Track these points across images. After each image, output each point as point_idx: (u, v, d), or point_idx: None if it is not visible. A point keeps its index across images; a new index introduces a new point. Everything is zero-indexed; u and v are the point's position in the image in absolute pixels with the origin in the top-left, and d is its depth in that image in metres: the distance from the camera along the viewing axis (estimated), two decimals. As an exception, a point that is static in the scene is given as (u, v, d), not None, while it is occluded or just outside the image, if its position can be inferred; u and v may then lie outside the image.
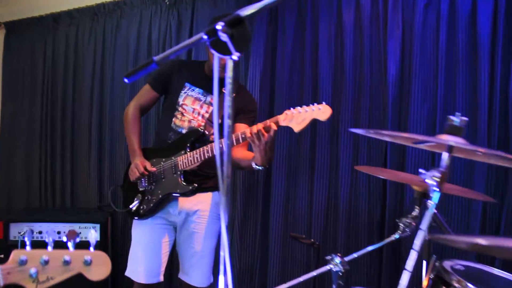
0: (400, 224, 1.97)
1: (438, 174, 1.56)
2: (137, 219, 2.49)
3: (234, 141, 2.13)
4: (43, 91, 4.13)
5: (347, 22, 2.89)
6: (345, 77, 2.89)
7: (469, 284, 1.59)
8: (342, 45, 2.91)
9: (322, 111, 1.94)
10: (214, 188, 2.48)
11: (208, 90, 2.46)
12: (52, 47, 4.09)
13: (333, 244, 2.91)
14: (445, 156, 1.59)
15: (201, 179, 2.43)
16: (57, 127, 4.05)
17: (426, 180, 1.56)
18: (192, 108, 2.46)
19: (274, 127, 2.02)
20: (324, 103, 1.94)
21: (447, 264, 1.79)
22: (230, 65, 1.00)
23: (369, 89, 2.83)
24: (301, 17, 3.05)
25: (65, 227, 3.31)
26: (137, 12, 3.72)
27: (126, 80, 1.20)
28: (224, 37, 0.95)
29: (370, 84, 2.83)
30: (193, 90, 2.48)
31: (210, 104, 2.45)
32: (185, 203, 2.45)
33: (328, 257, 1.92)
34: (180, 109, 2.47)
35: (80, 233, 3.30)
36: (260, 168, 2.18)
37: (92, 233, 1.35)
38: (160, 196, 2.42)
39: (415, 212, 1.96)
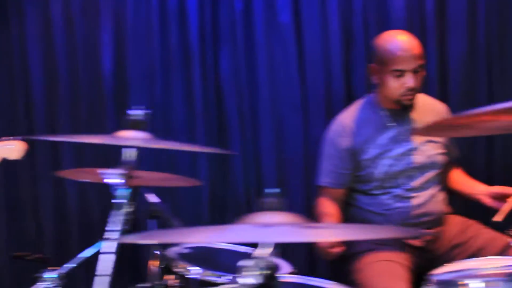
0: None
1: (124, 172, 1.51)
2: None
3: None
4: None
5: (55, 13, 2.63)
6: (58, 76, 2.67)
7: (191, 266, 1.67)
8: (52, 41, 2.66)
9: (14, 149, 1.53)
10: None
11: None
12: None
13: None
14: (128, 152, 1.54)
15: None
16: None
17: (108, 181, 1.47)
18: None
19: None
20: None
21: (173, 250, 1.81)
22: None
23: (87, 87, 2.67)
24: (2, 7, 2.67)
25: None
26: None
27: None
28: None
29: (87, 81, 2.67)
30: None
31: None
32: None
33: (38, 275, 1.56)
34: None
35: None
36: None
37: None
38: None
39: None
